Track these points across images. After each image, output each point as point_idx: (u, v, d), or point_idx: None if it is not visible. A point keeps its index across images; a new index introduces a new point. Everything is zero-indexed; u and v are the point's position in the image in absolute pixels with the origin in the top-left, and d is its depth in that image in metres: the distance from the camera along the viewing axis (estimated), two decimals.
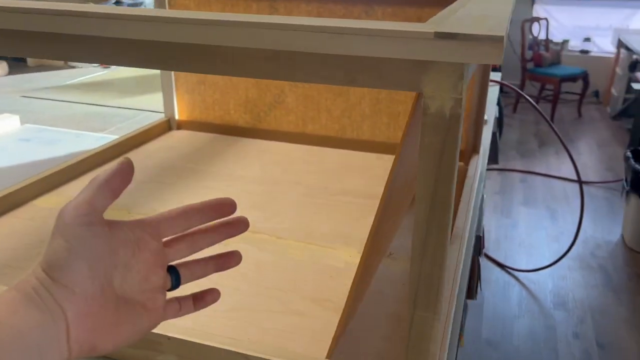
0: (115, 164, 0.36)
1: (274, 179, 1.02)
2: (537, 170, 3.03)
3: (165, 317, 0.39)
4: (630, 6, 4.05)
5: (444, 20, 0.42)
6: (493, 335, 1.71)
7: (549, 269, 2.00)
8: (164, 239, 0.39)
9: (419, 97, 0.42)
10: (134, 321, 0.35)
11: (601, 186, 2.81)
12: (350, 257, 0.77)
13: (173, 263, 0.41)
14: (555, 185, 2.81)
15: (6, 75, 1.92)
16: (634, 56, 3.49)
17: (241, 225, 0.43)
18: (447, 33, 0.37)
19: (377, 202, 0.93)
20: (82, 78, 2.01)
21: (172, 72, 1.22)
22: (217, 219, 0.41)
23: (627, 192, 2.09)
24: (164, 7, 1.16)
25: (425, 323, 0.47)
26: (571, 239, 1.93)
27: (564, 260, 2.00)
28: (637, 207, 2.05)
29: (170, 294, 0.41)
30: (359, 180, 1.02)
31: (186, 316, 0.42)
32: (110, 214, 0.88)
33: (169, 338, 0.54)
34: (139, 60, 0.46)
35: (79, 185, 0.98)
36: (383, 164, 1.10)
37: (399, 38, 0.38)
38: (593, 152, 3.38)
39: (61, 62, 2.30)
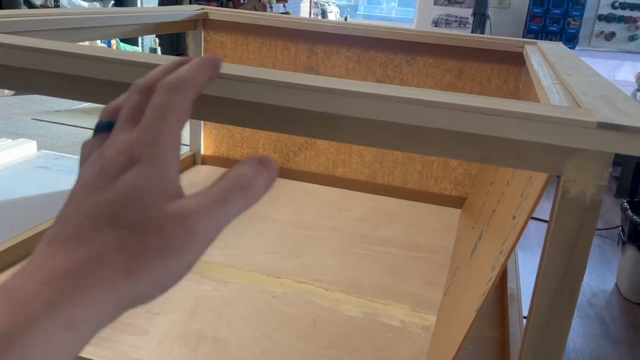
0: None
1: (309, 223, 1.00)
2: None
3: None
4: (616, 58, 4.22)
5: (595, 105, 0.41)
6: None
7: None
8: None
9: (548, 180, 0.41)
10: None
11: None
12: (404, 316, 0.75)
13: None
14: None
15: (13, 95, 1.86)
16: None
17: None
18: (612, 124, 0.36)
19: (416, 254, 0.92)
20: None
21: None
22: None
23: (624, 243, 2.13)
24: (200, 45, 1.14)
25: None
26: None
27: None
28: (635, 259, 2.09)
29: None
30: (394, 229, 1.00)
31: None
32: None
33: None
34: (258, 121, 0.44)
35: None
36: (415, 210, 1.09)
37: (553, 124, 0.37)
38: None
39: None
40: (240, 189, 0.25)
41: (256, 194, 0.26)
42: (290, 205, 1.07)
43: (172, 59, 0.32)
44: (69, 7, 3.69)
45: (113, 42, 1.86)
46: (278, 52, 1.13)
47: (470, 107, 0.38)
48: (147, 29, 1.01)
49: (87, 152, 0.26)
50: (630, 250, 2.11)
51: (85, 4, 3.59)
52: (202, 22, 1.14)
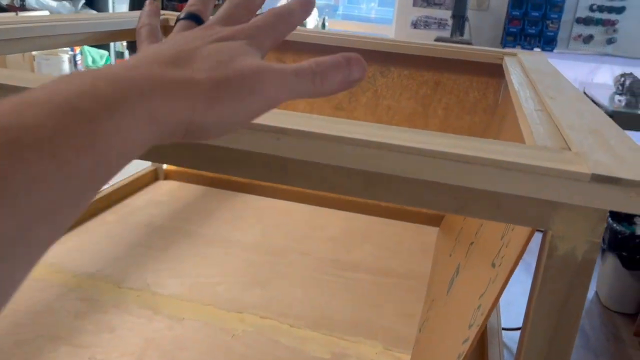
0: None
1: (276, 246, 0.93)
2: None
3: None
4: (594, 61, 4.22)
5: (585, 145, 0.35)
6: None
7: None
8: None
9: (545, 235, 0.35)
10: None
11: None
12: (376, 355, 0.68)
13: None
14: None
15: None
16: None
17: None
18: (609, 177, 0.30)
19: (390, 281, 0.86)
20: None
21: None
22: None
23: (604, 251, 2.10)
24: None
25: None
26: None
27: None
28: (614, 267, 2.06)
29: None
30: (367, 251, 0.94)
31: None
32: (98, 286, 0.77)
33: None
34: (194, 162, 0.38)
35: (55, 249, 0.86)
36: (389, 229, 1.03)
37: (539, 176, 0.31)
38: None
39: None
40: (316, 75, 0.27)
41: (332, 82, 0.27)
42: (257, 225, 1.00)
43: None
44: (37, 7, 3.56)
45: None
46: None
47: (441, 154, 0.32)
48: (97, 37, 0.94)
49: (177, 28, 0.31)
50: (610, 258, 2.08)
51: (54, 4, 3.46)
52: (162, 30, 1.06)
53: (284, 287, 0.81)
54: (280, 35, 0.29)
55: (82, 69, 1.85)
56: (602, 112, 0.46)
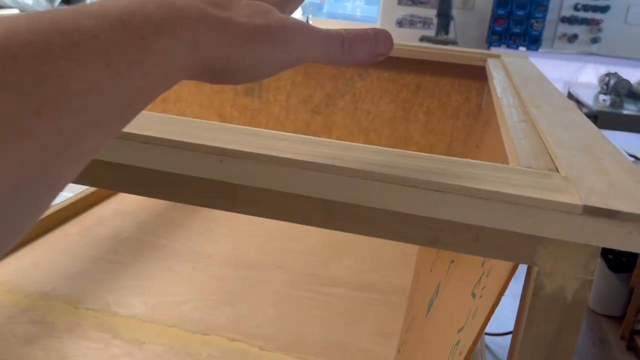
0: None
1: (249, 260, 0.88)
2: None
3: None
4: (579, 60, 4.21)
5: (576, 166, 0.30)
6: None
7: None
8: None
9: (530, 271, 0.30)
10: None
11: None
12: None
13: None
14: None
15: None
16: (584, 109, 3.60)
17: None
18: (604, 210, 0.26)
19: (369, 296, 0.81)
20: None
21: None
22: None
23: None
24: None
25: None
26: None
27: None
28: (601, 270, 2.04)
29: None
30: (346, 265, 0.89)
31: None
32: (52, 307, 0.71)
33: None
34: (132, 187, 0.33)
35: (8, 266, 0.80)
36: (368, 239, 0.98)
37: (522, 207, 0.27)
38: None
39: None
40: (345, 41, 0.27)
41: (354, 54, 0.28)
42: (229, 237, 0.95)
43: None
44: (12, 5, 3.46)
45: None
46: None
47: (409, 180, 0.28)
48: None
49: None
50: None
51: (30, 2, 3.37)
52: None
53: (255, 305, 0.76)
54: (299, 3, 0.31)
55: None
56: (591, 124, 0.42)
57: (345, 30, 0.27)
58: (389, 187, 0.28)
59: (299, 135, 0.33)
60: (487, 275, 0.39)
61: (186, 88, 1.03)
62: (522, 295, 0.31)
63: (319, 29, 0.27)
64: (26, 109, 0.16)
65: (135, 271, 0.82)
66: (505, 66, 0.75)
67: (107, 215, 0.99)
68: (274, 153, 0.30)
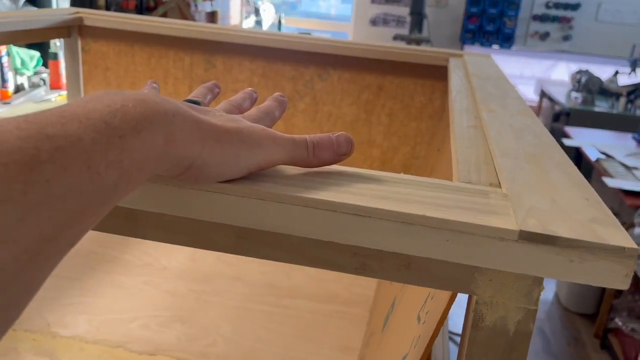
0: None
1: (205, 272, 0.84)
2: None
3: None
4: (551, 58, 4.24)
5: (518, 179, 0.27)
6: None
7: None
8: None
9: (471, 299, 0.27)
10: None
11: None
12: None
13: None
14: None
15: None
16: (556, 107, 3.62)
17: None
18: (542, 235, 0.22)
19: (331, 308, 0.78)
20: None
21: None
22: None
23: None
24: (77, 55, 0.96)
25: None
26: None
27: None
28: None
29: None
30: (309, 274, 0.86)
31: None
32: None
33: None
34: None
35: None
36: None
37: (452, 233, 0.23)
38: None
39: None
40: (310, 144, 0.29)
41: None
42: (186, 248, 0.90)
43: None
44: None
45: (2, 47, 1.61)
46: (170, 64, 0.96)
47: (327, 204, 0.24)
48: (14, 37, 0.83)
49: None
50: None
51: None
52: (77, 29, 0.96)
53: (209, 321, 0.72)
54: (275, 120, 0.34)
55: (10, 72, 1.70)
56: (545, 130, 0.39)
57: (309, 136, 0.29)
58: (304, 212, 0.24)
59: None
60: (432, 299, 0.35)
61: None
62: (462, 328, 0.28)
63: (285, 135, 0.28)
64: (11, 217, 0.16)
65: (82, 287, 0.77)
66: (466, 66, 0.72)
67: None
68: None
